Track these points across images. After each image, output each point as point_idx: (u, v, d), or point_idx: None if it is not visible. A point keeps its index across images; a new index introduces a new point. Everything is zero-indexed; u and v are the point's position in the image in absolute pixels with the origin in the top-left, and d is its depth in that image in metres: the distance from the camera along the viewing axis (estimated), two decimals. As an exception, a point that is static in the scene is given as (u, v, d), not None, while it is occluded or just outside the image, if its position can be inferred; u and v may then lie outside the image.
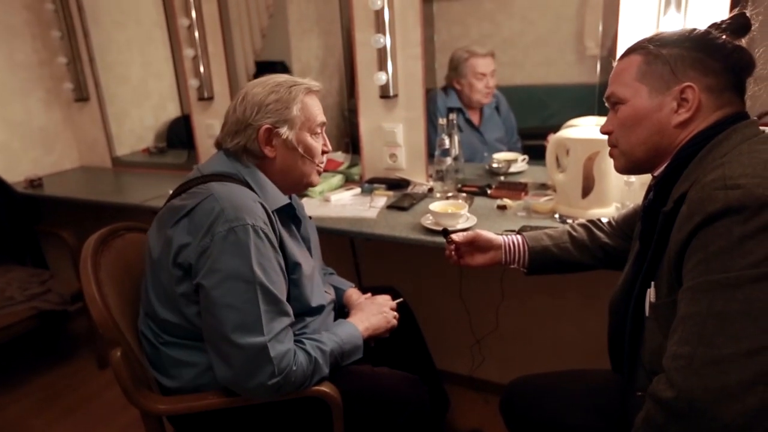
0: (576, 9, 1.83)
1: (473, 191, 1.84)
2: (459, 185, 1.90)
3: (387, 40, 1.84)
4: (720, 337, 0.70)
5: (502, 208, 1.68)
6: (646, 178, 1.50)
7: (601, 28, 1.68)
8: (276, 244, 1.12)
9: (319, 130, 1.27)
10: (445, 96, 2.03)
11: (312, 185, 1.30)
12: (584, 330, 1.82)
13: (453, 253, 1.31)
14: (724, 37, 0.88)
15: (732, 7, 0.89)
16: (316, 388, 1.13)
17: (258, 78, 1.26)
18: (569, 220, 1.49)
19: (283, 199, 1.22)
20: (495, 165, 1.98)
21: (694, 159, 0.86)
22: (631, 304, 0.96)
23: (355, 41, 1.94)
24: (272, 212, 1.16)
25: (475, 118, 2.08)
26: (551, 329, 1.92)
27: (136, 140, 2.82)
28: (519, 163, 1.99)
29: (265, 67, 2.36)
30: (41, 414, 2.09)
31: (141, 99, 2.76)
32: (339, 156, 2.24)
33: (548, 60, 1.95)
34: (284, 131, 1.20)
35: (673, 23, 1.48)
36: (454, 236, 1.30)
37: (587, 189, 1.53)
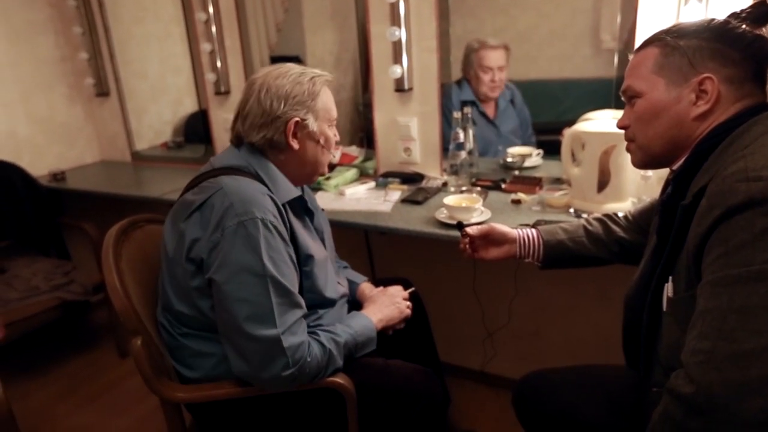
0: (592, 2, 1.81)
1: (487, 185, 1.84)
2: (473, 179, 1.90)
3: (402, 33, 1.84)
4: (741, 332, 0.69)
5: (517, 202, 1.68)
6: (664, 173, 1.49)
7: (619, 20, 1.66)
8: (286, 237, 1.13)
9: (334, 122, 1.29)
10: (459, 89, 2.02)
11: (322, 174, 1.33)
12: (598, 326, 1.82)
13: (467, 246, 1.32)
14: (744, 26, 0.86)
15: None
16: (331, 379, 1.14)
17: (267, 68, 1.24)
18: (584, 215, 1.48)
19: (294, 192, 1.22)
20: (509, 159, 1.98)
21: (714, 152, 0.84)
22: (648, 299, 0.95)
23: (370, 34, 1.95)
24: (284, 204, 1.17)
25: (489, 110, 2.08)
26: (565, 325, 1.91)
27: (154, 135, 2.86)
28: (534, 157, 1.98)
29: (280, 62, 2.38)
30: (64, 401, 2.15)
31: (159, 94, 2.80)
32: (353, 150, 2.25)
33: (563, 54, 1.92)
34: (311, 123, 1.21)
35: (694, 14, 1.45)
36: (468, 229, 1.30)
37: (603, 183, 1.52)
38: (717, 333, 0.71)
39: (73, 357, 2.44)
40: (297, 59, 2.37)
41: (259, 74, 1.22)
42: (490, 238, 1.30)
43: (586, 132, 1.51)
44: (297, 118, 1.18)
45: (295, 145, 1.20)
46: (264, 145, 1.20)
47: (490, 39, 1.94)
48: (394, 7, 1.82)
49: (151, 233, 1.36)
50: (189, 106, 2.73)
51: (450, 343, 1.96)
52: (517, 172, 1.93)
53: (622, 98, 0.99)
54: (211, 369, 1.19)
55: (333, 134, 1.28)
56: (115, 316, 2.33)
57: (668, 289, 0.89)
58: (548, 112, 2.05)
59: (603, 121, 1.55)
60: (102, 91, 2.74)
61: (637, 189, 1.51)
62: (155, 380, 1.14)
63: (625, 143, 1.45)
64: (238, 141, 1.25)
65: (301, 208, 1.28)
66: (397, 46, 1.87)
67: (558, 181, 1.81)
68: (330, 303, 1.28)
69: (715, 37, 0.86)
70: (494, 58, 1.95)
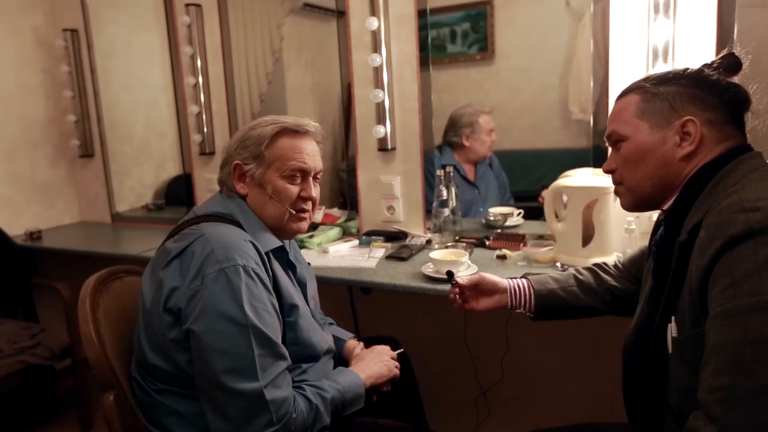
0: (559, 77, 1.92)
1: (472, 242, 1.85)
2: (457, 237, 1.91)
3: (385, 95, 1.92)
4: (759, 365, 0.67)
5: (502, 257, 1.68)
6: (647, 228, 1.52)
7: (591, 85, 1.74)
8: (269, 285, 1.09)
9: (294, 174, 1.19)
10: (440, 154, 2.09)
11: (292, 231, 1.23)
12: (592, 381, 1.77)
13: (457, 296, 1.29)
14: (717, 75, 0.90)
15: (717, 53, 0.94)
16: (317, 437, 1.07)
17: None
18: (571, 269, 1.48)
19: (274, 242, 1.19)
20: (491, 218, 2.00)
21: (704, 190, 0.86)
22: (651, 344, 0.92)
23: (354, 97, 2.02)
24: (267, 253, 1.14)
25: (470, 174, 2.14)
26: (557, 381, 1.86)
27: (135, 198, 2.84)
28: (515, 217, 2.01)
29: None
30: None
31: (143, 158, 2.81)
32: (335, 211, 2.26)
33: (534, 126, 2.03)
34: (251, 168, 1.17)
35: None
36: (458, 279, 1.29)
37: (587, 238, 1.53)
38: (734, 368, 0.69)
39: (31, 429, 2.26)
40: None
41: None
42: (480, 288, 1.28)
43: (568, 186, 1.55)
44: (237, 161, 1.18)
45: (241, 189, 1.20)
46: (221, 185, 1.23)
47: (478, 106, 2.05)
48: (378, 71, 1.90)
49: (130, 285, 1.31)
50: (171, 170, 2.74)
51: (440, 407, 1.88)
52: (499, 231, 1.95)
53: (607, 143, 1.02)
54: (187, 429, 1.10)
55: (291, 186, 1.19)
56: (81, 384, 2.21)
57: (672, 329, 0.87)
58: (523, 180, 2.12)
59: (584, 177, 1.59)
60: (86, 153, 2.75)
61: (621, 243, 1.53)
62: (126, 441, 1.06)
63: (607, 196, 1.49)
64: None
65: (284, 260, 1.25)
66: (380, 107, 1.93)
67: (541, 238, 1.83)
68: (315, 357, 1.22)
69: (693, 83, 0.90)
70: (491, 120, 2.07)
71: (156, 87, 2.67)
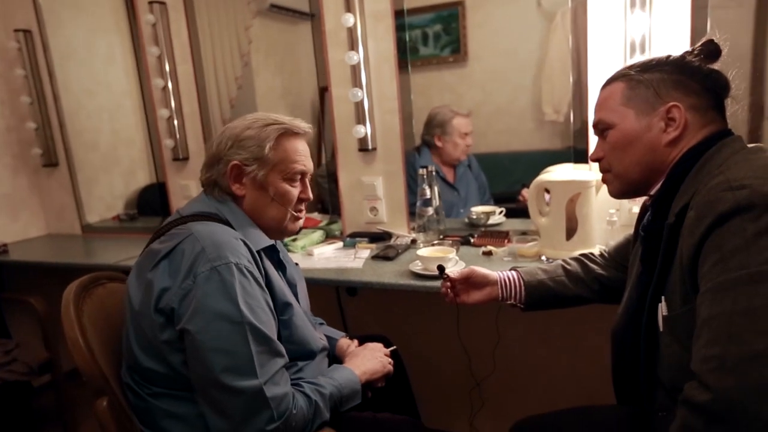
0: (533, 79, 1.95)
1: (457, 240, 1.85)
2: (441, 236, 1.92)
3: (364, 95, 1.90)
4: (750, 333, 0.70)
5: (488, 254, 1.70)
6: (627, 219, 1.55)
7: (571, 81, 1.76)
8: (262, 283, 1.08)
9: (295, 177, 1.21)
10: (418, 156, 2.09)
11: (289, 232, 1.25)
12: (581, 368, 1.80)
13: (449, 290, 1.30)
14: (698, 61, 0.94)
15: (692, 45, 0.98)
16: (319, 433, 1.06)
17: None
18: (559, 260, 1.50)
19: (266, 241, 1.18)
20: (474, 217, 2.02)
21: (690, 174, 0.89)
22: (643, 324, 0.94)
23: (332, 97, 2.00)
24: (258, 252, 1.13)
25: (449, 175, 2.15)
26: (548, 369, 1.89)
27: (105, 208, 2.75)
28: (497, 215, 2.03)
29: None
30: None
31: (110, 166, 2.72)
32: (316, 215, 2.24)
33: (509, 128, 2.05)
34: (253, 169, 1.16)
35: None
36: (449, 272, 1.30)
37: (571, 231, 1.56)
38: (725, 337, 0.72)
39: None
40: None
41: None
42: (471, 281, 1.29)
43: (551, 181, 1.57)
44: (236, 161, 1.15)
45: (238, 191, 1.18)
46: (210, 186, 1.19)
47: (456, 108, 2.04)
48: (356, 69, 1.89)
49: (113, 291, 1.26)
50: (142, 179, 2.67)
51: (436, 401, 1.88)
52: (482, 229, 1.97)
53: (594, 132, 1.04)
54: (183, 432, 1.07)
55: (293, 188, 1.20)
56: (62, 400, 2.11)
57: (662, 309, 0.90)
58: (500, 182, 2.14)
59: (565, 172, 1.62)
60: (50, 162, 2.64)
61: (604, 235, 1.56)
62: (120, 449, 1.01)
63: (590, 190, 1.52)
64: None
65: (273, 260, 1.24)
66: (359, 106, 1.92)
67: (524, 234, 1.85)
68: (310, 355, 1.21)
69: (676, 70, 0.94)
70: (467, 123, 2.06)
71: (120, 91, 2.59)
